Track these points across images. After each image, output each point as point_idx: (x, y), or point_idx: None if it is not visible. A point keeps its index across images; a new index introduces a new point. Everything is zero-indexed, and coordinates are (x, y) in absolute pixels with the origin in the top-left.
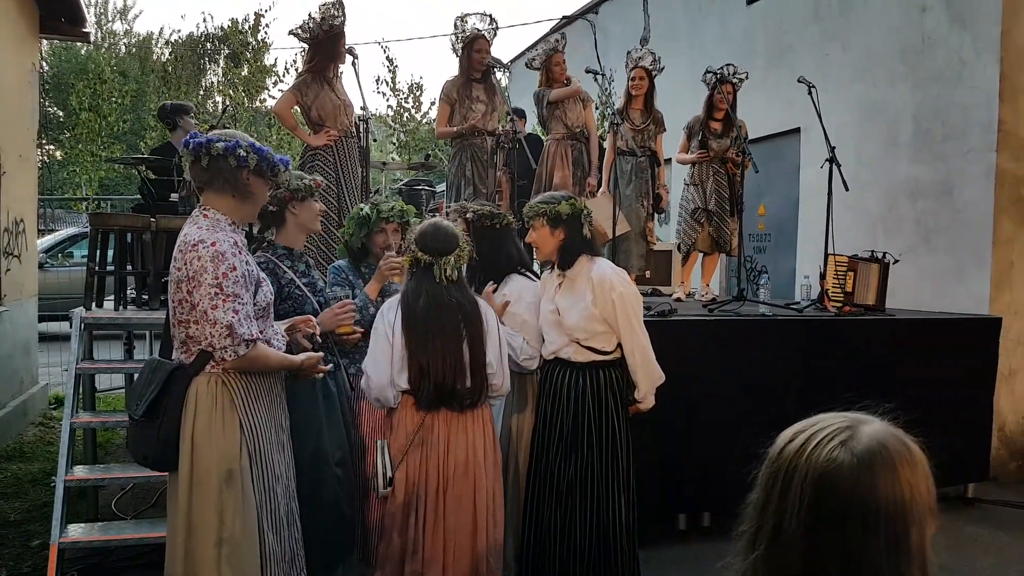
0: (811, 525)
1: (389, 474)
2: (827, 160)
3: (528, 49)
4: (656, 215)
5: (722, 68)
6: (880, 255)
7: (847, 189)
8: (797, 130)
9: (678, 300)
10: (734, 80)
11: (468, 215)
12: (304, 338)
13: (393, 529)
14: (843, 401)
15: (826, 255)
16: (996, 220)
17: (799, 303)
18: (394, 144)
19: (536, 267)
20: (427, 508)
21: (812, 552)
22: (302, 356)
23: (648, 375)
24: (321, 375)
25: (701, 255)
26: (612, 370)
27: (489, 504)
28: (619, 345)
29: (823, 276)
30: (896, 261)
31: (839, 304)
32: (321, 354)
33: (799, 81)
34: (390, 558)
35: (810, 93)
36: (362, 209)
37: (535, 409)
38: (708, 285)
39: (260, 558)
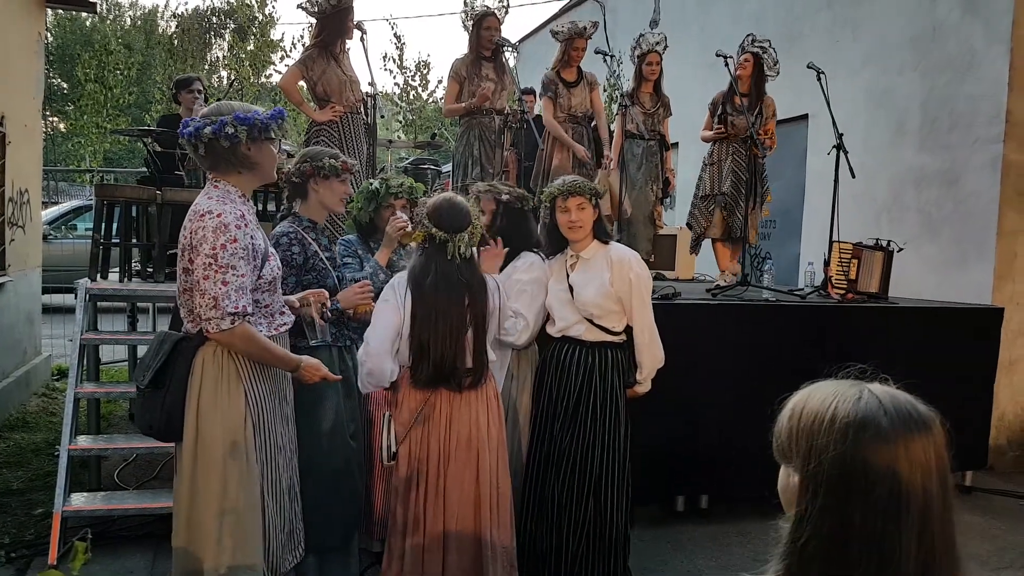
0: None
1: (393, 448)
2: (834, 147)
3: (557, 17)
4: (665, 199)
5: (745, 38)
6: (884, 243)
7: (854, 176)
8: (805, 116)
9: (717, 286)
10: (754, 50)
11: (504, 197)
12: (316, 312)
13: (397, 503)
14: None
15: (831, 242)
16: (1001, 211)
17: (802, 289)
18: (400, 122)
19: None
20: (428, 483)
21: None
22: (301, 358)
23: (652, 356)
24: (316, 380)
25: (714, 241)
26: (619, 351)
27: (492, 478)
28: (626, 328)
29: (827, 263)
30: (900, 249)
31: (843, 291)
32: (319, 362)
33: (808, 67)
34: (395, 532)
35: (819, 79)
36: (371, 184)
37: (537, 385)
38: (725, 272)
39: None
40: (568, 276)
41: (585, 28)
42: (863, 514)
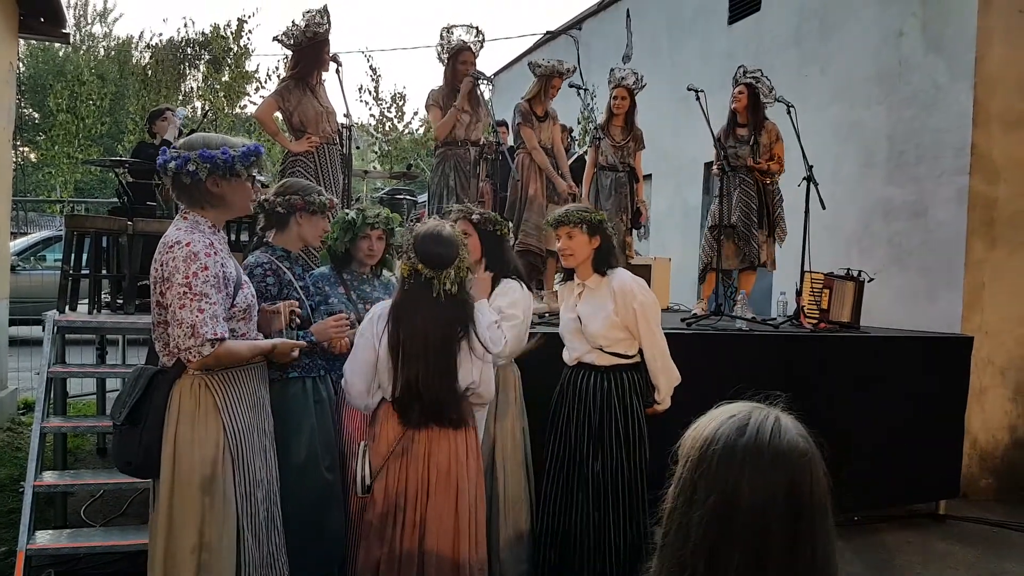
0: (793, 512)
1: (368, 481)
2: (805, 179)
3: (532, 51)
4: (635, 230)
5: (737, 70)
6: (855, 273)
7: (824, 208)
8: None
9: (694, 316)
10: (747, 80)
11: (474, 217)
12: (285, 318)
13: (372, 539)
14: (816, 415)
15: (802, 272)
16: (968, 241)
17: (775, 319)
18: (376, 153)
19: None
20: (406, 518)
21: (791, 538)
22: (274, 341)
23: (668, 377)
24: (295, 358)
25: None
26: (635, 373)
27: (472, 511)
28: (639, 350)
29: (799, 293)
30: (871, 280)
31: (815, 321)
32: (289, 341)
33: (778, 100)
34: (368, 568)
35: (789, 113)
36: (347, 214)
37: (554, 412)
38: (702, 300)
39: (239, 563)
40: (576, 305)
41: (568, 70)
42: (698, 520)
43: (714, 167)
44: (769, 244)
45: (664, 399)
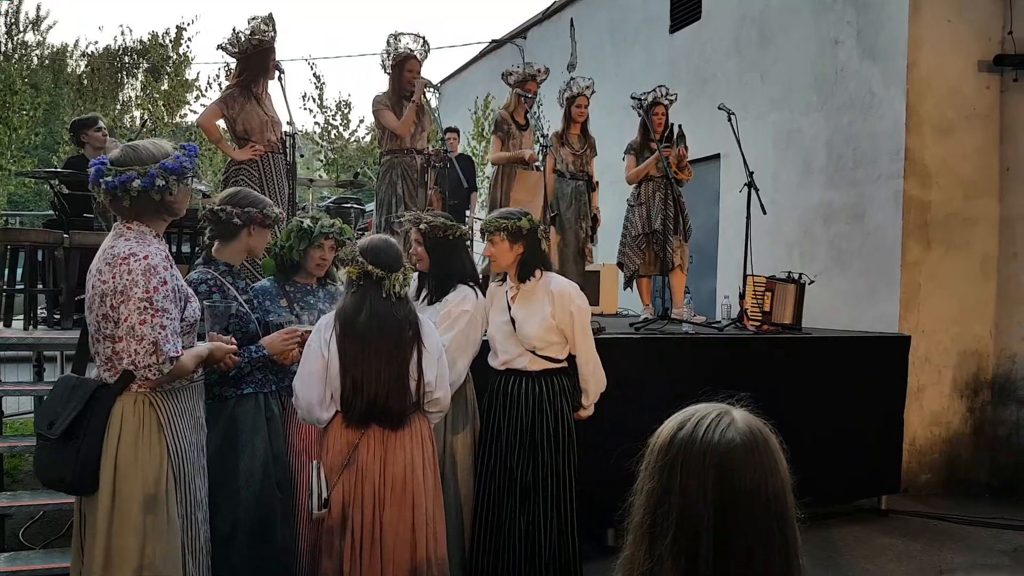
0: (719, 505)
1: (324, 495)
2: (746, 185)
3: (481, 58)
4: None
5: (655, 90)
6: (796, 276)
7: (765, 213)
8: (717, 156)
9: (645, 320)
10: (665, 102)
11: (422, 226)
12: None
13: (328, 552)
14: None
15: (745, 276)
16: (904, 244)
17: (720, 322)
18: (321, 162)
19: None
20: (363, 529)
21: (721, 529)
22: (209, 345)
23: (597, 383)
24: (233, 363)
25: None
26: (564, 377)
27: (429, 522)
28: (568, 355)
29: (742, 296)
30: (811, 282)
31: (758, 323)
32: (233, 344)
33: (720, 108)
34: None
35: (730, 120)
36: (302, 222)
37: (484, 418)
38: (648, 306)
39: None
40: (510, 308)
41: (539, 71)
42: (640, 506)
43: (647, 171)
44: (682, 247)
45: (591, 404)
